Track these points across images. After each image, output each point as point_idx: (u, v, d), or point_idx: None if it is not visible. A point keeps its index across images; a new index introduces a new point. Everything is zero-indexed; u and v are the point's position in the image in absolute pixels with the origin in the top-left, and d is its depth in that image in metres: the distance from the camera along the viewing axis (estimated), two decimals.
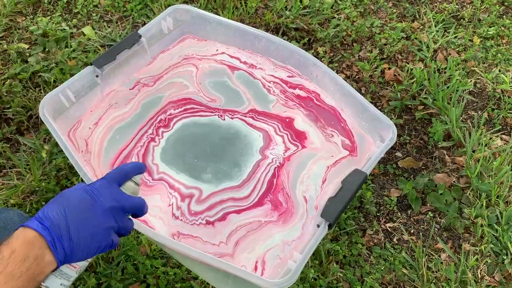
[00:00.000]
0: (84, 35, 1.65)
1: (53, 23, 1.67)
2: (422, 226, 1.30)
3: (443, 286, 1.17)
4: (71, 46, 1.59)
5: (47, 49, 1.59)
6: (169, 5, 1.68)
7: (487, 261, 1.22)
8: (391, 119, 0.89)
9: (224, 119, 0.95)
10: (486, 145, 1.43)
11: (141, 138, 0.91)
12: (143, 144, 0.91)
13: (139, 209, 0.59)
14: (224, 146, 0.92)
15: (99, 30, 1.67)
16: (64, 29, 1.65)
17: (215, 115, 0.95)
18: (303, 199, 0.85)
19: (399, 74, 1.62)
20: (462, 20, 1.82)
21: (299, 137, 0.93)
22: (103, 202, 0.55)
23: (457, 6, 1.86)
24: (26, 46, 1.60)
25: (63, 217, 0.52)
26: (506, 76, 1.62)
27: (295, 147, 0.92)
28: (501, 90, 1.60)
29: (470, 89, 1.60)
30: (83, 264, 0.60)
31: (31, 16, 1.70)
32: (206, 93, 0.98)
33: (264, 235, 0.81)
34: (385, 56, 1.68)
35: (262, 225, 0.82)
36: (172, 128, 0.93)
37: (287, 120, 0.96)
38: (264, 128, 0.94)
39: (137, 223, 0.73)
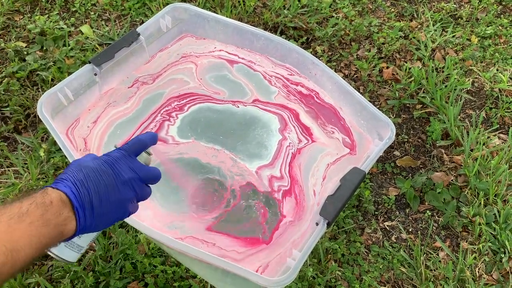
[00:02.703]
0: (82, 33, 1.64)
1: (51, 21, 1.66)
2: (420, 225, 1.30)
3: (441, 285, 1.17)
4: (69, 45, 1.59)
5: (44, 48, 1.59)
6: (167, 4, 1.68)
7: (485, 260, 1.22)
8: (389, 118, 0.89)
9: (238, 107, 0.95)
10: (484, 144, 1.43)
11: (145, 129, 0.91)
12: (156, 123, 0.92)
13: (156, 178, 0.60)
14: (244, 129, 0.92)
15: (97, 29, 1.67)
16: (62, 28, 1.65)
17: (227, 103, 0.95)
18: (313, 193, 0.85)
19: (397, 73, 1.63)
20: (460, 19, 1.83)
21: (307, 131, 0.94)
22: (123, 174, 0.55)
23: (455, 6, 1.86)
24: (24, 45, 1.59)
25: (86, 190, 0.52)
26: (503, 75, 1.62)
27: (306, 140, 0.92)
28: (499, 89, 1.60)
29: (468, 88, 1.60)
30: (94, 236, 0.61)
31: (29, 15, 1.70)
32: (209, 87, 0.99)
33: (286, 239, 0.80)
34: (383, 55, 1.68)
35: (287, 227, 0.81)
36: (187, 111, 0.94)
37: (294, 111, 0.96)
38: (278, 112, 0.95)
39: (136, 222, 0.73)
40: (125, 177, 0.55)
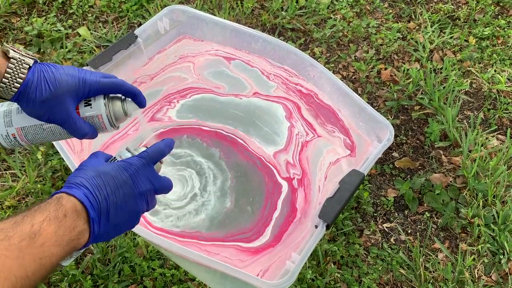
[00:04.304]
0: (80, 35, 1.64)
1: (48, 23, 1.66)
2: (419, 226, 1.30)
3: (440, 286, 1.17)
4: (66, 47, 1.59)
5: (42, 50, 1.58)
6: (165, 6, 1.68)
7: (484, 261, 1.22)
8: (387, 119, 0.89)
9: (241, 98, 0.95)
10: (482, 145, 1.43)
11: (137, 123, 0.91)
12: (153, 110, 0.91)
13: (168, 189, 0.58)
14: (251, 117, 0.92)
15: (95, 31, 1.66)
16: (59, 30, 1.64)
17: (229, 96, 0.95)
18: (318, 189, 0.84)
19: (395, 75, 1.63)
20: (457, 20, 1.83)
21: (310, 126, 0.93)
22: (142, 185, 0.53)
23: (452, 7, 1.86)
24: (21, 47, 1.58)
25: (105, 199, 0.49)
26: (501, 76, 1.62)
27: (312, 134, 0.92)
28: (497, 90, 1.60)
29: (466, 89, 1.60)
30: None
31: (26, 17, 1.69)
32: (207, 82, 0.99)
33: (292, 240, 0.79)
34: (381, 57, 1.68)
35: (297, 225, 0.80)
36: (189, 98, 0.93)
37: (296, 104, 0.95)
38: (281, 102, 0.95)
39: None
40: (143, 188, 0.53)
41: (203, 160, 0.88)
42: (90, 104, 0.58)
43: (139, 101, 0.60)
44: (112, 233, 0.51)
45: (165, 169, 0.90)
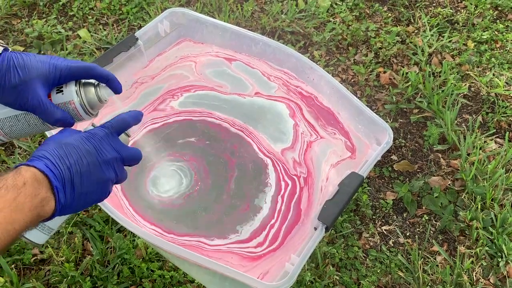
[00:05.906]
0: (80, 37, 1.64)
1: (48, 25, 1.66)
2: (417, 229, 1.30)
3: None
4: (66, 49, 1.59)
5: (42, 52, 1.58)
6: (165, 9, 1.68)
7: (482, 264, 1.22)
8: (386, 123, 0.89)
9: (244, 98, 0.96)
10: (480, 148, 1.44)
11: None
12: (154, 105, 0.91)
13: (137, 159, 0.57)
14: (257, 116, 0.92)
15: (95, 33, 1.67)
16: (60, 32, 1.65)
17: (233, 94, 0.96)
18: (320, 189, 0.84)
19: (394, 78, 1.63)
20: (456, 24, 1.84)
21: (313, 128, 0.94)
22: (106, 153, 0.52)
23: (451, 11, 1.88)
24: (21, 49, 1.59)
25: (67, 168, 0.49)
26: (500, 80, 1.63)
27: (315, 135, 0.92)
28: (495, 94, 1.61)
29: (465, 93, 1.61)
30: (65, 219, 0.58)
31: (27, 19, 1.70)
32: (209, 81, 0.99)
33: (295, 243, 0.79)
34: (380, 60, 1.69)
35: (300, 228, 0.80)
36: (193, 92, 0.94)
37: (298, 105, 0.95)
38: (284, 101, 0.95)
39: (134, 227, 0.72)
40: (108, 156, 0.52)
41: (207, 156, 0.88)
42: (62, 91, 0.57)
43: (114, 86, 0.59)
44: (80, 202, 0.51)
45: (164, 166, 0.90)
